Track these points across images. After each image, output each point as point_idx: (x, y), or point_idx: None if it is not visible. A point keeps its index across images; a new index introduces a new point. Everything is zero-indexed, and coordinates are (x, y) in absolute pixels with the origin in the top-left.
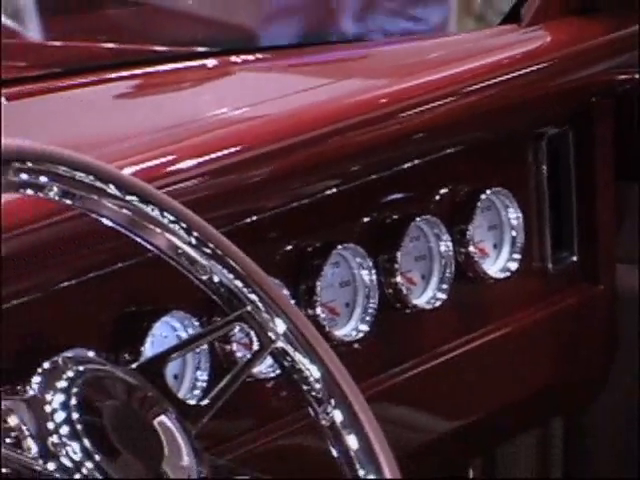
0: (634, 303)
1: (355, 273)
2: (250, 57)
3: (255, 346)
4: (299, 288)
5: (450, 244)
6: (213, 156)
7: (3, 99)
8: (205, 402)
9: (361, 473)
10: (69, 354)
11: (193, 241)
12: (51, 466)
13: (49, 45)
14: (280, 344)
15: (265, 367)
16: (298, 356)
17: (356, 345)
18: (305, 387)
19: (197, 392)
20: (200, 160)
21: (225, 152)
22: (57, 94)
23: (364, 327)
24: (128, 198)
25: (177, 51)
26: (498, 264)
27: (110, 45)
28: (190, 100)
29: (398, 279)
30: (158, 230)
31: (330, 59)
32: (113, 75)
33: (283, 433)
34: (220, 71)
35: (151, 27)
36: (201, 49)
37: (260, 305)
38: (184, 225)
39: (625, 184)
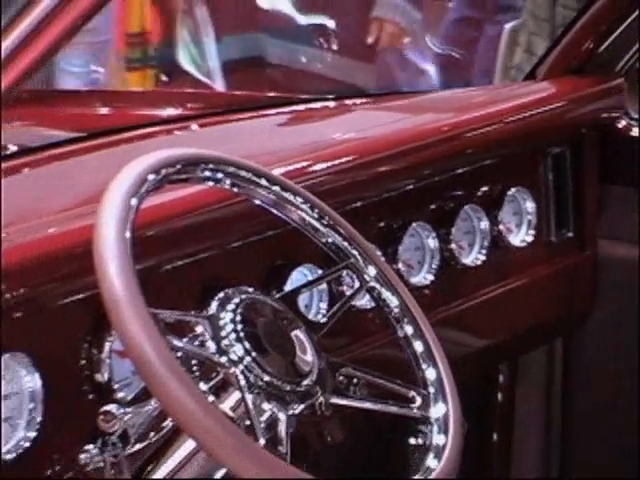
0: (609, 263)
1: (424, 241)
2: (357, 101)
3: (356, 285)
4: (388, 250)
5: (487, 223)
6: (336, 162)
7: (196, 126)
8: (324, 320)
9: (424, 367)
10: (236, 289)
11: (315, 216)
12: (223, 359)
13: (228, 93)
14: (372, 283)
15: (364, 301)
16: (384, 291)
17: (424, 289)
18: (387, 311)
19: (319, 316)
20: (326, 165)
21: (343, 160)
22: (233, 123)
23: (430, 277)
24: (273, 188)
25: (309, 97)
26: (519, 237)
27: (267, 93)
28: (319, 127)
29: (452, 246)
30: (293, 209)
31: (410, 102)
32: (268, 112)
33: (374, 345)
34: (338, 109)
35: (294, 81)
36: (324, 96)
37: (359, 258)
38: (310, 205)
39: (606, 187)
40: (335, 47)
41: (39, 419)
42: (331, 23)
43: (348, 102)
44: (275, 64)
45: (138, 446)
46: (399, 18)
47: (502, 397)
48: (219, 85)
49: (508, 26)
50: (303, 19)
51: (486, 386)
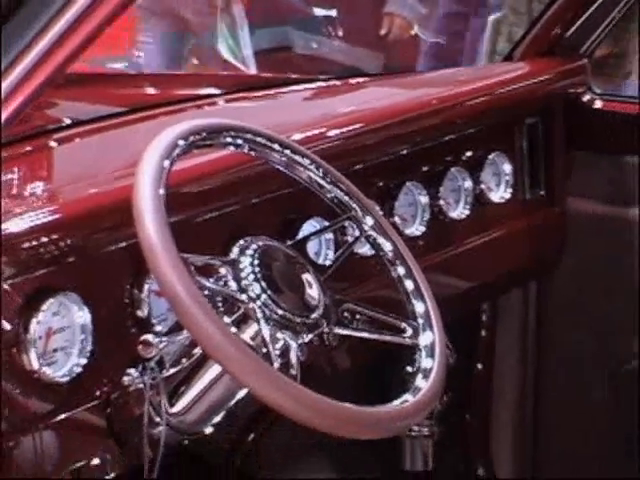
0: (575, 217)
1: (417, 198)
2: (360, 80)
3: (356, 233)
4: (385, 206)
5: (471, 183)
6: (341, 130)
7: (222, 102)
8: (329, 264)
9: (414, 302)
10: (254, 237)
11: (321, 175)
12: (243, 296)
13: (251, 75)
14: (370, 232)
15: (365, 249)
16: (380, 238)
17: (416, 239)
18: (383, 255)
19: (326, 261)
20: (333, 132)
21: (348, 128)
22: (254, 100)
23: (421, 228)
24: (285, 151)
25: (319, 77)
26: (498, 195)
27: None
28: (328, 102)
29: (441, 202)
30: (302, 169)
31: (406, 80)
32: (284, 89)
33: (373, 286)
34: (344, 87)
35: (311, 66)
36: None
37: (359, 210)
38: (316, 166)
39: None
40: (348, 36)
41: (89, 348)
42: (345, 16)
43: (352, 81)
44: (297, 52)
45: (172, 370)
46: (407, 13)
47: (485, 332)
48: (252, 69)
49: (492, 18)
50: (321, 13)
51: (471, 323)
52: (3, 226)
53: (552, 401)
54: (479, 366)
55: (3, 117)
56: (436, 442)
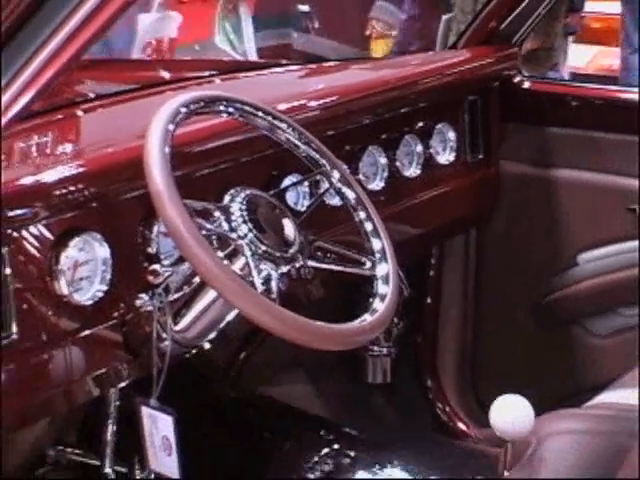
0: (507, 176)
1: (377, 159)
2: (332, 64)
3: (326, 186)
4: (352, 165)
5: (422, 148)
6: (317, 102)
7: (219, 80)
8: (304, 210)
9: (372, 240)
10: (242, 187)
11: (297, 137)
12: (234, 235)
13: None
14: (337, 184)
15: (335, 201)
16: (345, 188)
17: (377, 193)
18: (347, 202)
19: (302, 208)
20: (310, 104)
21: (321, 101)
22: (244, 79)
23: (381, 184)
24: (267, 118)
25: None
26: (444, 158)
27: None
28: (306, 80)
29: (397, 163)
30: (281, 133)
31: (370, 64)
32: (271, 71)
33: (340, 231)
34: (320, 69)
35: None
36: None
37: (328, 167)
38: (292, 129)
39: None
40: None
41: (108, 277)
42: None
43: (326, 65)
44: (291, 49)
45: (176, 295)
46: (387, 17)
47: (433, 271)
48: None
49: (444, 18)
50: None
51: (423, 264)
52: (39, 177)
53: (488, 327)
54: (429, 299)
55: (35, 89)
56: (393, 360)
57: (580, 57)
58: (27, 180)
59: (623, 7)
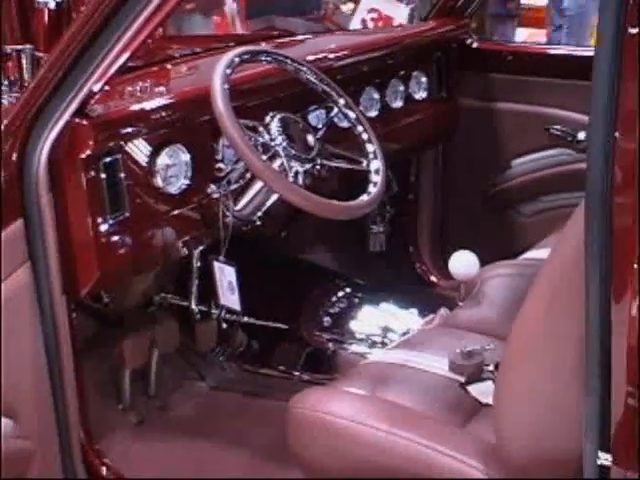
0: (463, 108)
1: (373, 96)
2: (338, 32)
3: (335, 110)
4: (354, 100)
5: (403, 87)
6: (330, 55)
7: (264, 43)
8: (321, 127)
9: (367, 146)
10: (278, 111)
11: (315, 77)
12: (272, 143)
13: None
14: (343, 108)
15: (344, 124)
16: (348, 111)
17: (372, 119)
18: (349, 120)
19: (320, 125)
20: (324, 56)
21: (333, 54)
22: (285, 43)
23: (375, 113)
24: (294, 64)
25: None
26: (419, 95)
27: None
28: (318, 42)
29: (386, 98)
30: (303, 74)
31: (366, 31)
32: (296, 38)
33: (346, 144)
34: (330, 37)
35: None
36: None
37: (337, 98)
38: (312, 73)
39: (462, 71)
40: None
41: (189, 174)
42: None
43: (332, 34)
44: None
45: (235, 185)
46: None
47: (413, 175)
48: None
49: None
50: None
51: (406, 169)
52: (141, 106)
53: (451, 211)
54: (411, 195)
55: (127, 54)
56: (387, 235)
57: (518, 36)
58: (134, 108)
59: None
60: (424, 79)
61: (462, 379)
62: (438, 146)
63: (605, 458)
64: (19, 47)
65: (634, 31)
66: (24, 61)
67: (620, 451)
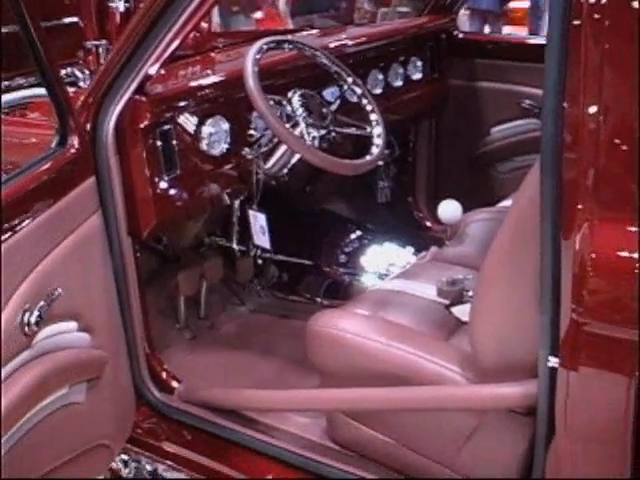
0: (452, 86)
1: (377, 77)
2: (351, 26)
3: (345, 87)
4: (362, 80)
5: (403, 70)
6: (342, 43)
7: (290, 35)
8: (334, 101)
9: (371, 115)
10: (298, 88)
11: (329, 61)
12: (294, 114)
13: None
14: (352, 85)
15: (354, 98)
16: (355, 87)
17: (377, 96)
18: (356, 95)
19: (333, 99)
20: (339, 44)
21: (344, 42)
22: (305, 36)
23: (379, 90)
24: (311, 51)
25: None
26: (416, 76)
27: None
28: (333, 34)
29: (389, 79)
30: (319, 59)
31: (372, 25)
32: (312, 31)
33: (354, 117)
34: (342, 29)
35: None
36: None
37: (345, 76)
38: (326, 57)
39: (451, 57)
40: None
41: (229, 140)
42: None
43: (345, 28)
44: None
45: (265, 148)
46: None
47: (412, 142)
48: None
49: (381, 10)
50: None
51: (406, 137)
52: (191, 84)
53: (443, 171)
54: (409, 158)
55: (173, 46)
56: (390, 189)
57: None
58: (183, 87)
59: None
60: (420, 63)
61: (447, 302)
62: (432, 118)
63: (555, 361)
64: (97, 42)
65: (577, 22)
66: (101, 54)
67: (566, 355)
